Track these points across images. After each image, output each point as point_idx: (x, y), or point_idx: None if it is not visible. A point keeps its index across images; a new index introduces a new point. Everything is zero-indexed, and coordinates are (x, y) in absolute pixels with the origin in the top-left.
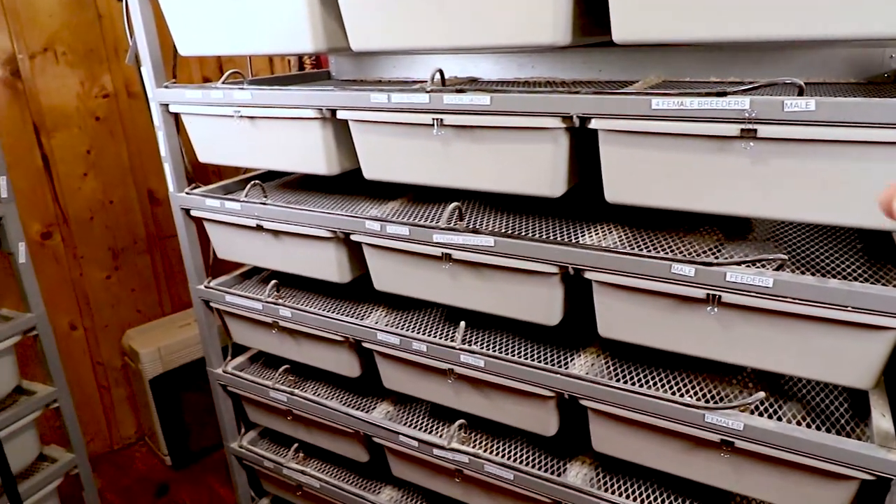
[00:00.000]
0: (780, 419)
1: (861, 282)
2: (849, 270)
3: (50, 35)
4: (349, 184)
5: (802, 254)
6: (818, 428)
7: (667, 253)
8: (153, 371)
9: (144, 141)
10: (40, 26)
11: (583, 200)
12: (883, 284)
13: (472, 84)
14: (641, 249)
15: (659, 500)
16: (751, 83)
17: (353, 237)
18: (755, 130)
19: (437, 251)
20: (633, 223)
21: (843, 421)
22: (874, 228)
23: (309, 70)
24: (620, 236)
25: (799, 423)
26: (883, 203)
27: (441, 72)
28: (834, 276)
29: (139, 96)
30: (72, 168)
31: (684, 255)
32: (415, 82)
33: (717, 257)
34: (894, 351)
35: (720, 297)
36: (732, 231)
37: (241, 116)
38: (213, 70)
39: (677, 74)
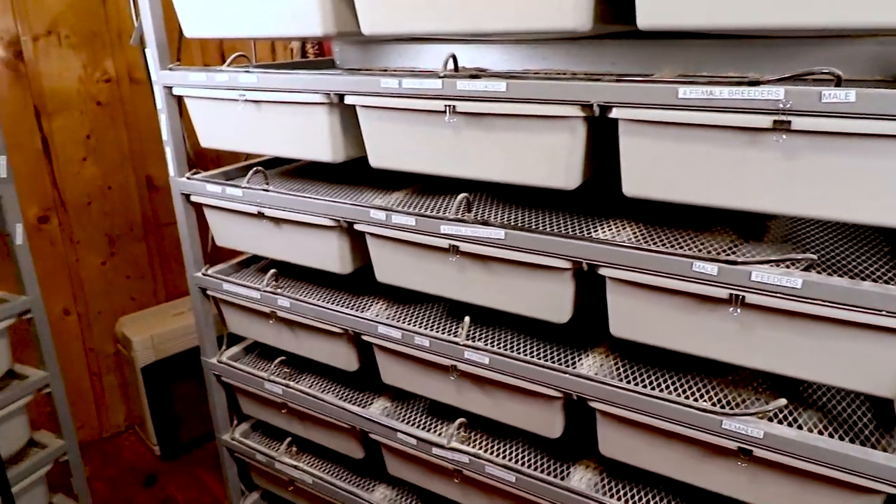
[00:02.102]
0: (799, 427)
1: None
2: (878, 273)
3: (53, 17)
4: (352, 173)
5: (825, 255)
6: (841, 438)
7: (683, 251)
8: (145, 359)
9: (145, 127)
10: (44, 8)
11: (591, 194)
12: None
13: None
14: (655, 246)
15: None
16: (784, 75)
17: (356, 226)
18: (789, 122)
19: (445, 243)
20: (644, 219)
21: (866, 431)
22: None
23: (312, 58)
24: (637, 231)
25: (820, 433)
26: None
27: (454, 57)
28: (861, 279)
29: (141, 82)
30: (71, 152)
31: (703, 253)
32: (422, 72)
33: (739, 255)
34: None
35: (744, 297)
36: (746, 231)
37: (246, 100)
38: (215, 57)
39: (693, 69)
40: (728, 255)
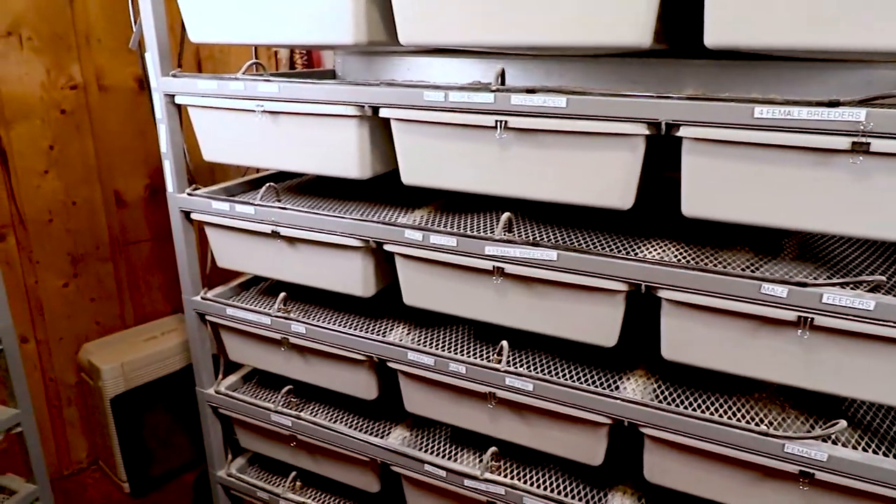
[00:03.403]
0: (854, 447)
1: None
2: None
3: (15, 17)
4: (362, 189)
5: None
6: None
7: (744, 271)
8: (115, 389)
9: (114, 138)
10: (4, 7)
11: (627, 213)
12: None
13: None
14: (702, 265)
15: None
16: (790, 102)
17: (387, 247)
18: (868, 144)
19: (489, 264)
20: (680, 238)
21: None
22: None
23: (301, 68)
24: (682, 251)
25: (875, 452)
26: None
27: (503, 71)
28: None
29: (111, 90)
30: (31, 164)
31: (770, 275)
32: (430, 86)
33: (771, 274)
34: None
35: (812, 319)
36: (762, 248)
37: (264, 111)
38: (191, 65)
39: (714, 90)
40: (795, 276)
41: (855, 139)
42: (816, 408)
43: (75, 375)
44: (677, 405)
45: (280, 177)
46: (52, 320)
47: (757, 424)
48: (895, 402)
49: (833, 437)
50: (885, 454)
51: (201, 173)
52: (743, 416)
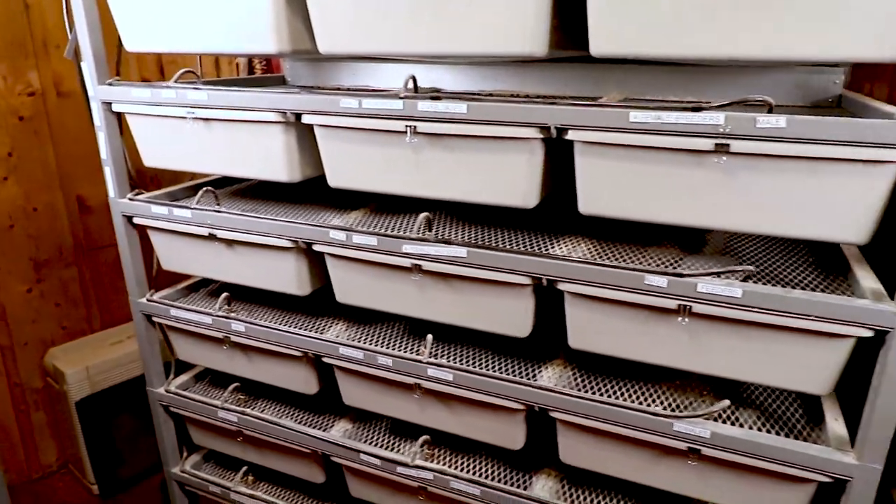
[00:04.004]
0: (741, 426)
1: (819, 292)
2: (805, 282)
3: None
4: (304, 192)
5: (759, 266)
6: (777, 433)
7: (632, 264)
8: (80, 393)
9: (75, 144)
10: None
11: (547, 210)
12: (839, 294)
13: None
14: (608, 261)
15: None
16: (703, 103)
17: (315, 247)
18: (728, 145)
19: (407, 262)
20: (597, 235)
21: (799, 426)
22: (832, 242)
23: (260, 74)
24: (588, 248)
25: (759, 430)
26: None
27: (414, 78)
28: (792, 287)
29: (70, 95)
30: None
31: (653, 267)
32: (376, 91)
33: (684, 268)
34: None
35: (691, 307)
36: (688, 245)
37: (195, 118)
38: (153, 71)
39: (638, 93)
40: (675, 268)
41: (717, 141)
42: (730, 392)
43: (41, 380)
44: (587, 391)
45: (228, 181)
46: (17, 325)
47: (657, 407)
48: (764, 381)
49: (721, 415)
50: (768, 431)
51: (151, 178)
52: (648, 400)
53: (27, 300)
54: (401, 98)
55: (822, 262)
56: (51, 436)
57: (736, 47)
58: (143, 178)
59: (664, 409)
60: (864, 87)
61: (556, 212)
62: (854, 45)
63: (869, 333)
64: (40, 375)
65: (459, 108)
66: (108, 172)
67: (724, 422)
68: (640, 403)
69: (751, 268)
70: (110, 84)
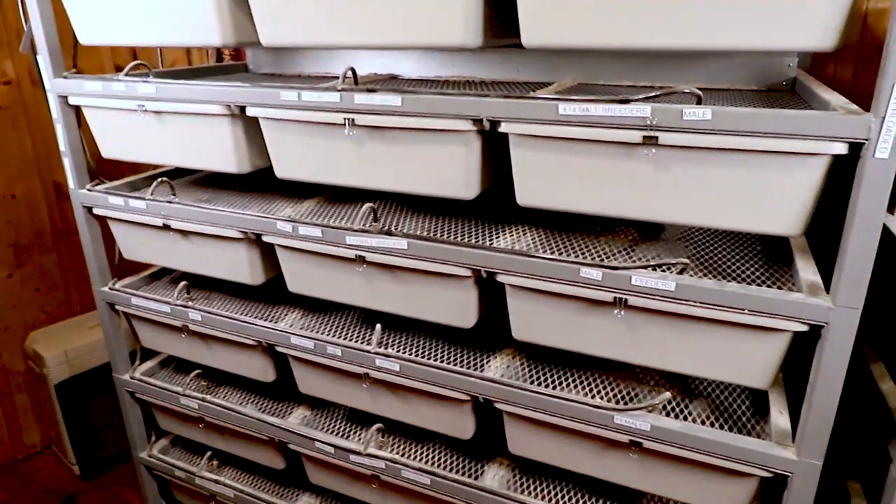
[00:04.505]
0: (685, 419)
1: (757, 285)
2: (748, 273)
3: None
4: (263, 181)
5: (707, 256)
6: (722, 427)
7: (577, 256)
8: (59, 376)
9: (50, 131)
10: None
11: (502, 201)
12: (778, 288)
13: (391, 82)
14: (555, 252)
15: (573, 500)
16: (656, 88)
17: (264, 238)
18: (656, 138)
19: (351, 253)
20: (550, 224)
21: (744, 419)
22: (765, 234)
23: (228, 62)
24: (537, 238)
25: (703, 423)
26: None
27: (353, 70)
28: (735, 279)
29: None
30: None
31: (595, 258)
32: (285, 87)
33: (631, 259)
34: (794, 349)
35: (626, 300)
36: (645, 231)
37: (146, 111)
38: (127, 58)
39: (592, 77)
40: (622, 258)
41: (645, 133)
42: (682, 383)
43: (24, 363)
44: (534, 381)
45: (188, 171)
46: None
47: (603, 399)
48: (702, 374)
49: (666, 408)
50: (711, 424)
51: (128, 167)
52: (596, 391)
53: (8, 285)
54: (338, 91)
55: (773, 253)
56: (34, 418)
57: (666, 37)
58: (119, 167)
59: (608, 401)
60: (828, 66)
61: (510, 201)
62: (788, 34)
63: (803, 328)
64: (22, 359)
65: (394, 100)
66: (67, 164)
67: (667, 414)
68: (588, 394)
69: (685, 260)
70: (65, 77)
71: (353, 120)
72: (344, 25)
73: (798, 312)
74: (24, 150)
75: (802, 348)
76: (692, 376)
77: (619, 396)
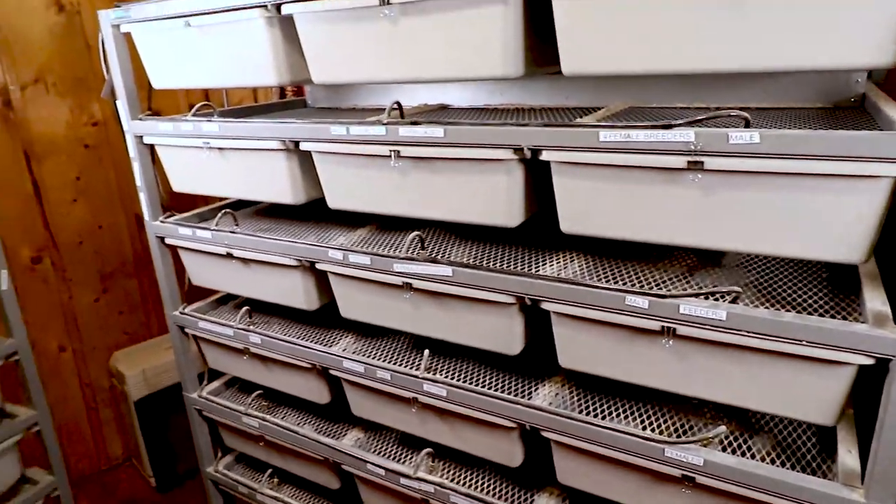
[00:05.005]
0: (744, 454)
1: (819, 315)
2: (811, 302)
3: (40, 66)
4: (321, 210)
5: (769, 284)
6: (783, 464)
7: (626, 283)
8: (138, 393)
9: (131, 168)
10: (31, 57)
11: (552, 227)
12: (842, 318)
13: (439, 113)
14: (603, 279)
15: None
16: (711, 110)
17: (317, 265)
18: (702, 163)
19: (399, 280)
20: (601, 251)
21: (809, 457)
22: (824, 261)
23: (290, 98)
24: (586, 265)
25: (763, 459)
26: None
27: (399, 103)
28: (795, 308)
29: None
30: (61, 194)
31: (646, 286)
32: (335, 122)
33: (686, 287)
34: (863, 384)
35: (675, 329)
36: (704, 258)
37: (210, 148)
38: (200, 97)
39: (644, 100)
40: (674, 285)
41: (689, 158)
42: (741, 417)
43: (108, 380)
44: (583, 410)
45: (253, 202)
46: (86, 331)
47: (653, 431)
48: (758, 407)
49: (723, 442)
50: (773, 461)
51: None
52: (649, 422)
53: (95, 309)
54: (384, 125)
55: (840, 281)
56: (117, 431)
57: (710, 60)
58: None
59: (662, 432)
60: None
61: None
62: (847, 52)
63: (869, 361)
64: (107, 376)
65: (437, 132)
66: (143, 198)
67: (724, 449)
68: (640, 426)
69: (737, 288)
70: (140, 119)
71: (398, 152)
72: (387, 63)
73: (862, 344)
74: (110, 185)
75: (878, 383)
76: (753, 410)
77: (672, 428)
